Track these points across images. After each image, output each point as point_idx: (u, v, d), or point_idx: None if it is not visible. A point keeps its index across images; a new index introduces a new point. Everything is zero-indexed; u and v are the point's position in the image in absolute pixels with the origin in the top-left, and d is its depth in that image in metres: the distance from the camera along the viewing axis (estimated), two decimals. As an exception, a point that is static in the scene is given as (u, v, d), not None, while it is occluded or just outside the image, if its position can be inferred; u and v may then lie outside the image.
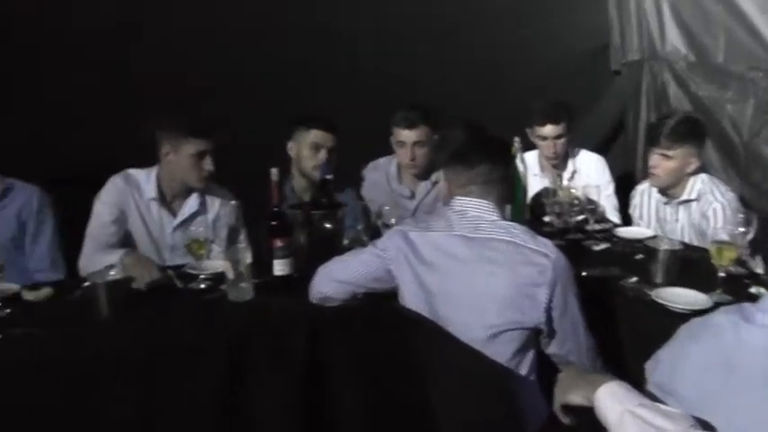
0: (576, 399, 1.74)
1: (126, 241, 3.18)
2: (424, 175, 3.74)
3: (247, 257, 2.56)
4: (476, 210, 2.40)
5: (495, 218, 2.40)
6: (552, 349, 2.41)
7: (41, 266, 3.26)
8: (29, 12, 3.66)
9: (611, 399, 1.62)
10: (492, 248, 2.34)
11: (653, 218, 3.71)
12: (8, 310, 2.56)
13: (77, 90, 3.72)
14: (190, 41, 3.91)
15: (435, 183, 3.73)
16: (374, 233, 3.04)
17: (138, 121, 3.29)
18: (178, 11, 3.90)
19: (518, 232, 2.37)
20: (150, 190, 3.23)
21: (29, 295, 2.72)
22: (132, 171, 3.27)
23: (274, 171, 2.70)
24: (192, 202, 3.28)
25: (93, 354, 2.32)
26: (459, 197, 2.43)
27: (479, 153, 2.45)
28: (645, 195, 3.77)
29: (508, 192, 2.54)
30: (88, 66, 3.77)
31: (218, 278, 2.75)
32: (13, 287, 2.75)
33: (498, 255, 2.33)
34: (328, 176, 2.91)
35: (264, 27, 4.09)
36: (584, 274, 2.75)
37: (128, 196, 3.20)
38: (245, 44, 4.02)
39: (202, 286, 2.76)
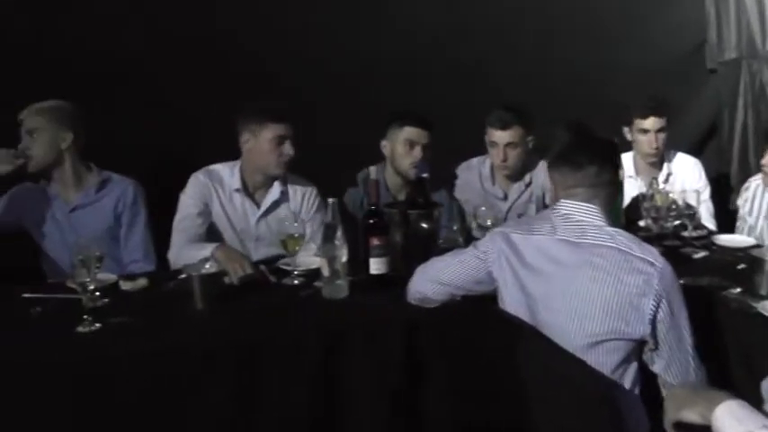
0: (692, 416, 1.66)
1: (211, 235, 3.21)
2: (516, 176, 3.66)
3: (344, 255, 2.54)
4: (581, 214, 2.32)
5: (601, 223, 2.31)
6: (656, 366, 2.32)
7: (135, 257, 3.31)
8: (133, 19, 3.78)
9: (730, 418, 1.54)
10: (597, 255, 2.26)
11: (763, 214, 3.57)
12: (106, 300, 2.60)
13: (173, 90, 3.78)
14: (282, 41, 3.94)
15: (528, 184, 3.66)
16: (468, 234, 3.00)
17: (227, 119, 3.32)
18: (272, 12, 3.95)
19: (623, 239, 2.28)
20: (234, 181, 3.27)
21: (126, 285, 2.76)
22: (214, 166, 3.32)
23: (372, 169, 2.68)
24: (274, 192, 3.31)
25: (189, 346, 2.34)
26: (564, 200, 2.35)
27: (587, 154, 2.36)
28: (759, 189, 3.60)
29: (614, 196, 2.44)
30: (184, 67, 3.85)
31: (312, 275, 2.74)
32: (111, 277, 2.80)
33: (603, 262, 2.25)
34: (424, 175, 2.87)
35: (361, 24, 4.09)
36: (682, 282, 2.66)
37: (210, 190, 3.25)
38: (339, 42, 4.02)
39: (296, 282, 2.75)
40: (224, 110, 3.34)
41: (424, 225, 2.76)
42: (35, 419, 2.15)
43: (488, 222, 2.95)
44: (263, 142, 3.16)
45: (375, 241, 2.58)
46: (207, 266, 2.61)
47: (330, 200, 2.60)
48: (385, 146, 3.48)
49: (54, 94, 3.27)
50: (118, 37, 3.74)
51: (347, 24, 4.07)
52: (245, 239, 3.27)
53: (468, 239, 2.79)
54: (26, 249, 3.29)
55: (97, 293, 2.56)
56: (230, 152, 3.31)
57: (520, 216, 3.49)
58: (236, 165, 3.30)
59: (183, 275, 2.65)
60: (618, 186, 2.53)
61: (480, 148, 3.69)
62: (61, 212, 3.27)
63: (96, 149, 3.36)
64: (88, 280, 2.40)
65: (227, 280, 2.73)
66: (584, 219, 2.31)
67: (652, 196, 3.35)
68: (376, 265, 2.59)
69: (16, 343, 2.33)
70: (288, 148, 3.18)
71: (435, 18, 4.22)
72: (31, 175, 3.26)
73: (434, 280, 2.45)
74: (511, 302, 2.37)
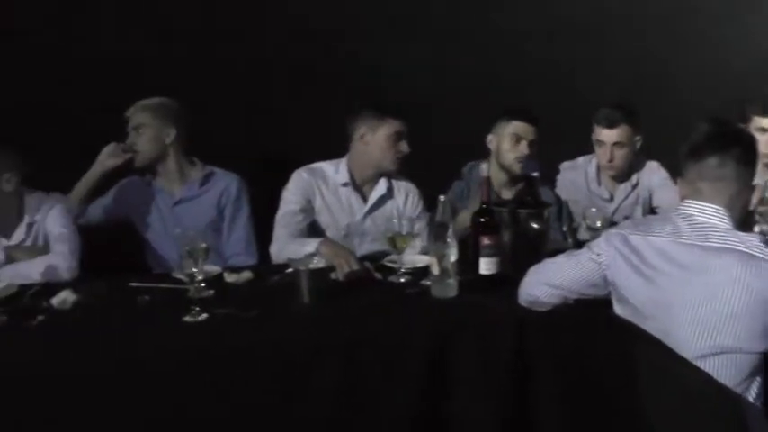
0: None
1: (313, 231, 3.20)
2: (623, 177, 3.55)
3: (453, 254, 2.48)
4: (705, 215, 2.19)
5: (728, 225, 2.19)
6: None
7: (237, 250, 3.34)
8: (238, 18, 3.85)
9: None
10: (724, 260, 2.13)
11: None
12: (211, 291, 2.61)
13: (279, 89, 3.84)
14: (385, 39, 3.92)
15: (635, 186, 3.54)
16: (575, 236, 2.91)
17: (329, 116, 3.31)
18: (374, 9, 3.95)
19: (755, 242, 2.16)
20: (341, 177, 3.27)
21: (230, 278, 2.77)
22: (316, 164, 3.32)
23: (484, 167, 2.62)
24: (380, 187, 3.30)
25: (295, 340, 2.31)
26: (687, 200, 2.24)
27: (710, 144, 2.21)
28: None
29: (746, 195, 2.28)
30: (291, 65, 3.90)
31: (419, 273, 2.69)
32: (215, 269, 2.81)
33: (731, 268, 2.11)
34: (535, 174, 2.80)
35: (461, 24, 4.05)
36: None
37: (313, 187, 3.25)
38: (447, 40, 3.98)
39: (402, 280, 2.71)
40: (325, 109, 3.35)
41: (534, 225, 2.69)
42: (141, 403, 2.15)
43: (598, 224, 2.86)
44: (381, 138, 3.17)
45: (486, 241, 2.51)
46: (314, 261, 2.59)
47: (441, 197, 2.55)
48: (491, 140, 3.41)
49: (160, 92, 3.35)
50: (222, 36, 3.79)
51: (448, 23, 4.02)
52: (350, 234, 3.26)
53: (576, 241, 2.69)
54: (131, 241, 3.35)
55: (203, 284, 2.58)
56: (333, 150, 3.32)
57: (626, 219, 3.37)
58: (341, 161, 3.30)
59: (290, 269, 2.63)
60: (749, 185, 2.36)
61: (585, 148, 3.60)
62: (165, 206, 3.34)
63: (203, 145, 3.41)
64: (196, 271, 2.40)
65: (333, 275, 2.71)
66: (709, 221, 2.19)
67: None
68: (486, 265, 2.53)
69: (127, 329, 2.35)
70: (404, 146, 3.19)
71: (547, 16, 4.17)
72: (138, 169, 3.34)
73: (546, 282, 2.37)
74: (626, 308, 2.27)
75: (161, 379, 2.17)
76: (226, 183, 3.37)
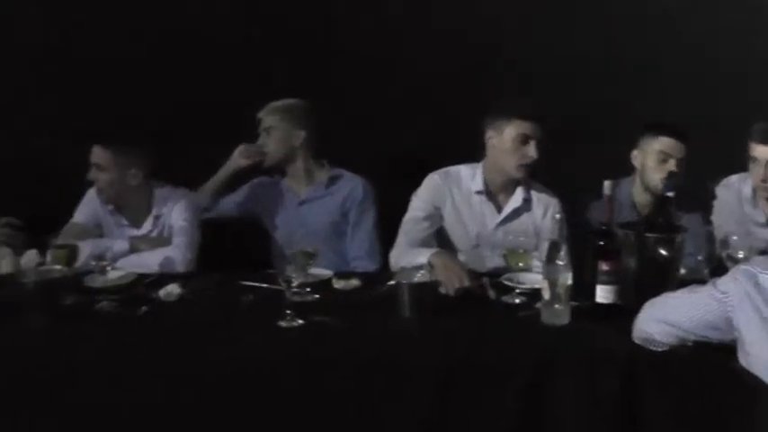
0: None
1: (441, 239, 3.08)
2: (782, 199, 3.16)
3: (567, 278, 2.28)
4: None
5: None
6: None
7: (359, 254, 3.30)
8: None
9: None
10: None
11: None
12: (317, 296, 2.57)
13: (417, 89, 3.72)
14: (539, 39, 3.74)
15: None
16: (716, 266, 2.61)
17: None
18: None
19: None
20: (476, 183, 3.09)
21: (338, 284, 2.71)
22: (453, 168, 3.16)
23: (607, 184, 2.39)
24: (516, 198, 3.10)
25: (388, 356, 2.19)
26: None
27: None
28: None
29: None
30: (432, 65, 3.75)
31: (535, 294, 2.49)
32: (326, 273, 2.77)
33: None
34: (669, 194, 2.54)
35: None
36: None
37: (444, 193, 3.10)
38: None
39: (516, 301, 2.53)
40: (469, 109, 3.20)
41: (663, 252, 2.42)
42: (219, 403, 2.13)
43: (740, 254, 2.54)
44: (507, 139, 2.97)
45: (604, 266, 2.29)
46: (419, 275, 2.45)
47: (557, 215, 2.36)
48: (636, 157, 3.16)
49: (291, 93, 3.37)
50: (356, 36, 3.74)
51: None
52: (481, 245, 3.09)
53: (716, 273, 2.39)
54: (259, 239, 3.37)
55: (307, 289, 2.54)
56: (473, 154, 3.15)
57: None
58: (478, 166, 3.12)
59: (393, 282, 2.52)
60: None
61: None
62: (291, 205, 3.37)
63: (334, 147, 3.38)
64: (294, 275, 2.35)
65: (442, 290, 2.56)
66: None
67: None
68: (603, 293, 2.30)
69: (219, 328, 2.36)
70: (531, 150, 2.95)
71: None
72: (267, 169, 3.39)
73: (662, 319, 2.09)
74: (755, 360, 1.95)
75: (241, 382, 2.14)
76: (352, 186, 3.34)
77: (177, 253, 2.93)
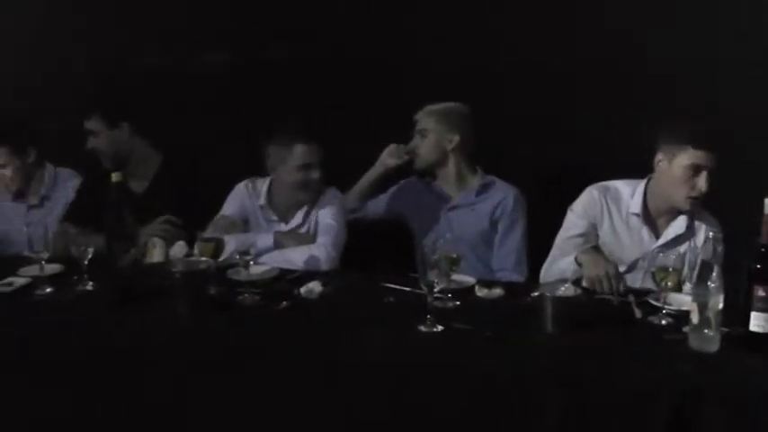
0: None
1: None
2: None
3: (719, 301, 2.14)
4: None
5: None
6: None
7: (505, 265, 3.26)
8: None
9: None
10: None
11: None
12: (457, 303, 2.54)
13: (574, 101, 3.63)
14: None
15: None
16: None
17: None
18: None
19: None
20: (635, 204, 2.95)
21: (481, 292, 2.67)
22: (614, 183, 3.03)
23: (768, 202, 2.23)
24: (678, 224, 2.92)
25: (523, 369, 2.14)
26: None
27: None
28: None
29: None
30: (589, 79, 3.64)
31: (684, 317, 2.35)
32: (468, 281, 2.72)
33: None
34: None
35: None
36: None
37: (602, 209, 2.98)
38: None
39: (663, 322, 2.40)
40: (629, 125, 3.09)
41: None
42: (348, 403, 2.16)
43: None
44: (677, 167, 2.81)
45: (761, 292, 2.13)
46: (563, 288, 2.39)
47: (710, 233, 2.22)
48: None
49: (450, 98, 3.36)
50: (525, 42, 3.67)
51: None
52: (637, 268, 2.95)
53: None
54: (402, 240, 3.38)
55: (449, 295, 2.52)
56: (631, 169, 3.02)
57: None
58: (640, 184, 2.97)
59: (537, 293, 2.46)
60: None
61: None
62: (440, 210, 3.36)
63: (489, 152, 3.37)
64: (437, 281, 2.32)
65: (585, 283, 2.56)
66: None
67: None
68: (758, 321, 2.13)
69: (357, 329, 2.36)
70: (702, 182, 2.78)
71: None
72: (418, 171, 3.42)
73: None
74: None
75: (375, 384, 2.15)
76: (503, 194, 3.29)
77: (322, 251, 2.98)
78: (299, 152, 3.10)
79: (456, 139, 3.27)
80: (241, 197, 3.24)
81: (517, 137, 3.58)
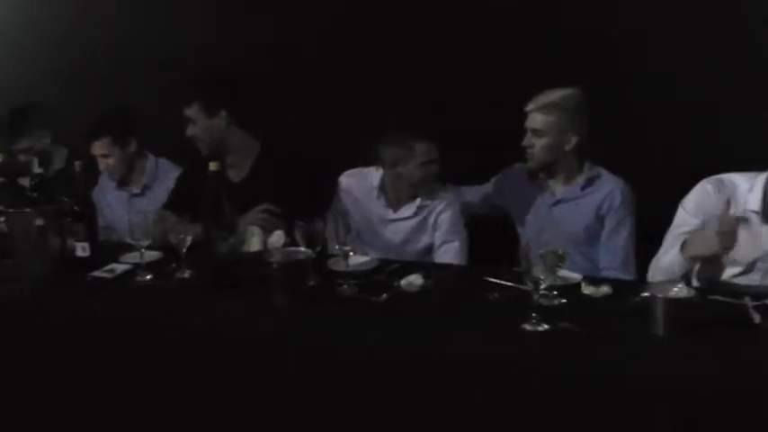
0: None
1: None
2: None
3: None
4: None
5: None
6: None
7: (612, 264, 3.10)
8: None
9: None
10: None
11: None
12: (563, 300, 2.42)
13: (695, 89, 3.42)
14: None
15: None
16: None
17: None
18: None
19: None
20: (753, 200, 2.70)
21: (588, 289, 2.53)
22: (728, 176, 2.78)
23: None
24: None
25: (631, 376, 2.01)
26: None
27: None
28: None
29: None
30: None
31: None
32: (575, 277, 2.60)
33: None
34: None
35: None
36: None
37: (716, 207, 2.73)
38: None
39: (783, 328, 2.24)
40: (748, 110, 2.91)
41: None
42: (454, 402, 2.09)
43: None
44: None
45: None
46: (675, 289, 2.25)
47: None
48: None
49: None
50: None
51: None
52: (755, 269, 2.75)
53: None
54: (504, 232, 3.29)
55: (554, 292, 2.41)
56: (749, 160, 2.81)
57: None
58: (759, 178, 2.70)
59: (646, 294, 2.32)
60: None
61: None
62: (544, 204, 3.23)
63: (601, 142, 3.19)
64: (542, 277, 2.22)
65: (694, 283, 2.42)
66: None
67: None
68: None
69: (458, 322, 2.30)
70: None
71: None
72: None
73: None
74: None
75: (477, 382, 2.07)
76: (610, 188, 3.11)
77: (456, 257, 3.08)
78: (421, 150, 3.16)
79: (575, 140, 3.10)
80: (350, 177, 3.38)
81: (624, 124, 3.41)
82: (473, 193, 3.41)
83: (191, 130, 3.23)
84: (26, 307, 2.69)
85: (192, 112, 3.21)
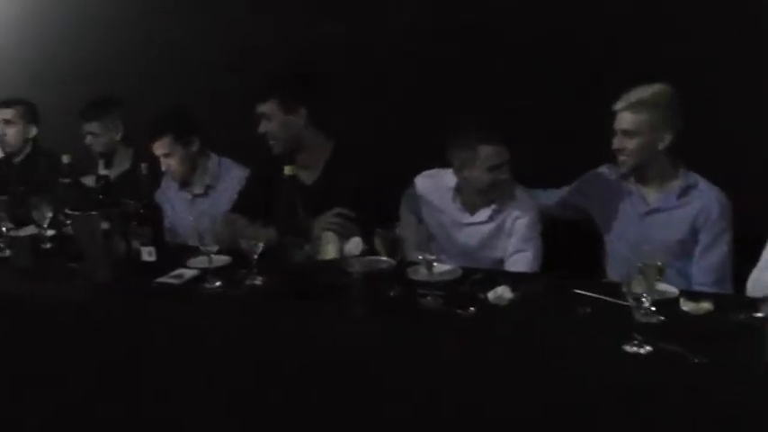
0: None
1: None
2: None
3: None
4: None
5: None
6: None
7: (706, 281, 2.88)
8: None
9: None
10: None
11: None
12: (661, 318, 2.21)
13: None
14: None
15: None
16: None
17: None
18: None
19: None
20: None
21: (687, 305, 2.33)
22: None
23: None
24: None
25: (751, 400, 1.83)
26: None
27: None
28: None
29: None
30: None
31: None
32: (671, 291, 2.40)
33: None
34: None
35: None
36: None
37: None
38: None
39: None
40: None
41: None
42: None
43: None
44: None
45: None
46: (774, 308, 2.06)
47: None
48: None
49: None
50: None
51: None
52: None
53: None
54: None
55: (653, 309, 2.21)
56: None
57: None
58: None
59: (757, 314, 2.13)
60: None
61: None
62: (635, 212, 3.02)
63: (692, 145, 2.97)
64: (643, 293, 2.05)
65: None
66: None
67: None
68: None
69: (554, 343, 2.12)
70: None
71: None
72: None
73: None
74: None
75: (580, 412, 1.90)
76: (707, 200, 2.88)
77: (527, 266, 2.92)
78: (485, 154, 2.97)
79: (668, 138, 2.88)
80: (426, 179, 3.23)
81: (716, 126, 3.21)
82: (549, 197, 3.23)
83: (264, 127, 3.09)
84: (91, 311, 2.61)
85: (267, 108, 3.07)
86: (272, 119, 3.07)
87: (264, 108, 3.08)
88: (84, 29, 4.88)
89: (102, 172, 3.00)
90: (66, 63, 4.92)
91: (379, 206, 2.87)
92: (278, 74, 3.25)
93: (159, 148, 3.51)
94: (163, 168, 3.56)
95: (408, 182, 3.30)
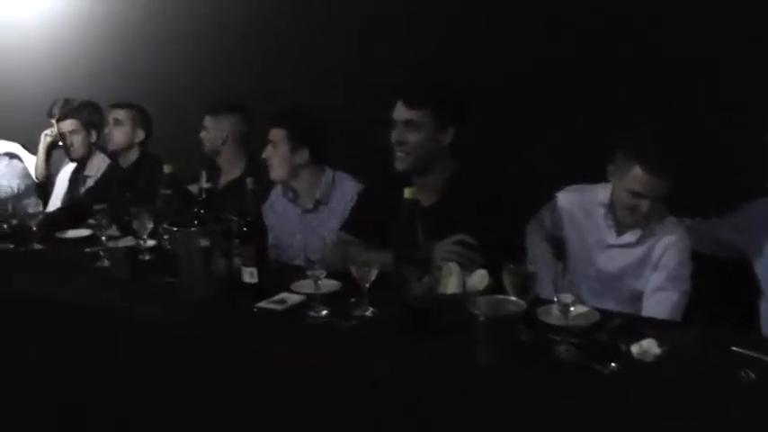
0: None
1: None
2: None
3: None
4: None
5: None
6: None
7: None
8: None
9: None
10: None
11: None
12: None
13: None
14: None
15: None
16: None
17: None
18: None
19: None
20: None
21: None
22: None
23: None
24: None
25: None
26: None
27: None
28: None
29: None
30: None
31: None
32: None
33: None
34: None
35: None
36: None
37: None
38: None
39: None
40: None
41: None
42: None
43: None
44: None
45: None
46: None
47: None
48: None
49: None
50: None
51: None
52: None
53: None
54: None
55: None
56: None
57: None
58: None
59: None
60: None
61: None
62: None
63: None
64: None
65: None
66: None
67: None
68: None
69: (711, 416, 1.74)
70: None
71: None
72: None
73: None
74: None
75: None
76: None
77: (669, 306, 2.57)
78: (634, 176, 2.61)
79: None
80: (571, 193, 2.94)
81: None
82: (697, 228, 2.85)
83: (400, 136, 2.76)
84: (184, 332, 2.43)
85: (418, 116, 2.74)
86: (422, 129, 2.74)
87: (414, 116, 2.74)
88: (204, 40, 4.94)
89: (205, 185, 2.78)
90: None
91: (504, 233, 2.55)
92: (435, 84, 2.94)
93: (274, 136, 3.27)
94: (263, 155, 3.31)
95: (536, 208, 2.98)
